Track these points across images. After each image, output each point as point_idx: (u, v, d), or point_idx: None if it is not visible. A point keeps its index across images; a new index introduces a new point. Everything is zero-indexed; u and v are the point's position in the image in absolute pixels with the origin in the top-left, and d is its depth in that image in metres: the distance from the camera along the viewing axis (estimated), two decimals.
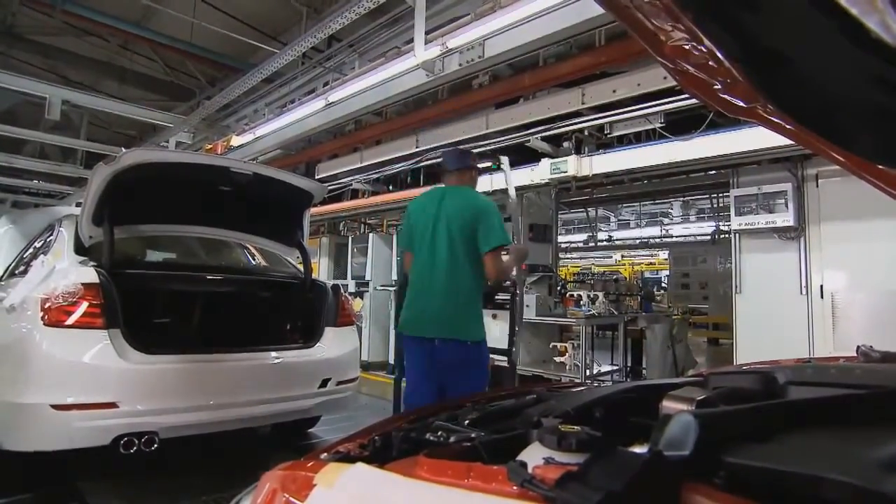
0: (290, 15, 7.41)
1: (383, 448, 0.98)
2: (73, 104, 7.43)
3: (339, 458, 0.94)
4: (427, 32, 4.43)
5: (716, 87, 0.90)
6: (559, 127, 5.16)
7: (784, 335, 4.26)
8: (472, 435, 0.92)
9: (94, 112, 8.53)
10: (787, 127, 0.91)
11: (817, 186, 4.23)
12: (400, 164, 6.85)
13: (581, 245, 17.55)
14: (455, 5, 4.91)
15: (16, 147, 9.61)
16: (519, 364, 4.06)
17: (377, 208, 8.01)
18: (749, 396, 0.90)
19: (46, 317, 2.58)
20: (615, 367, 6.53)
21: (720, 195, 10.03)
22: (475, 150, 5.59)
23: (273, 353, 3.18)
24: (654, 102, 4.43)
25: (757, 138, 3.96)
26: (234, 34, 6.82)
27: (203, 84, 9.33)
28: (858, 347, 1.30)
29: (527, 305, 5.16)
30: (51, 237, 3.47)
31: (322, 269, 8.27)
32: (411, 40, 4.65)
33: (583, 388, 1.47)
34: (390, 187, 7.89)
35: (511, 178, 4.06)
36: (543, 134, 5.31)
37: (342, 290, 3.76)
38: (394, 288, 6.18)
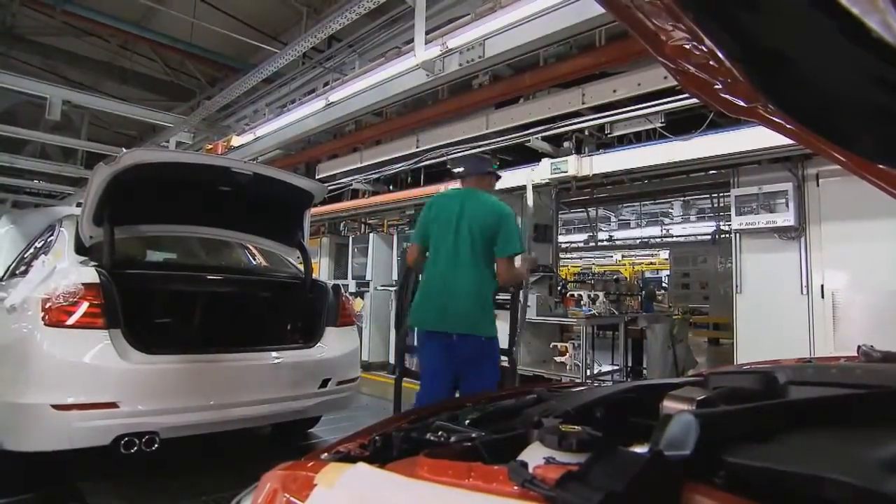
0: (290, 15, 7.42)
1: (384, 448, 0.98)
2: (73, 104, 7.45)
3: (340, 458, 0.94)
4: (427, 32, 4.44)
5: (716, 86, 0.90)
6: (559, 127, 5.15)
7: (784, 335, 4.26)
8: (473, 435, 0.92)
9: (95, 112, 8.55)
10: (788, 127, 0.91)
11: (818, 186, 4.23)
12: (400, 165, 6.86)
13: (581, 245, 17.55)
14: (455, 5, 4.91)
15: (16, 147, 9.62)
16: (519, 364, 4.07)
17: (377, 208, 8.01)
18: (749, 396, 0.89)
19: (47, 317, 2.58)
20: (616, 367, 6.54)
21: (720, 195, 10.00)
22: (475, 151, 5.62)
23: (273, 354, 3.18)
24: (654, 102, 4.43)
25: (757, 138, 3.97)
26: (234, 34, 6.82)
27: (203, 84, 9.33)
28: (859, 347, 1.29)
29: (528, 306, 5.15)
30: (51, 237, 3.47)
31: (322, 269, 8.27)
32: (411, 40, 4.66)
33: (583, 388, 1.47)
34: (391, 187, 7.90)
35: None
36: (543, 134, 5.31)
37: (343, 291, 3.77)
38: (394, 288, 6.18)
